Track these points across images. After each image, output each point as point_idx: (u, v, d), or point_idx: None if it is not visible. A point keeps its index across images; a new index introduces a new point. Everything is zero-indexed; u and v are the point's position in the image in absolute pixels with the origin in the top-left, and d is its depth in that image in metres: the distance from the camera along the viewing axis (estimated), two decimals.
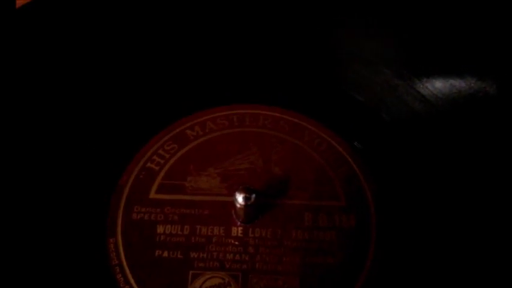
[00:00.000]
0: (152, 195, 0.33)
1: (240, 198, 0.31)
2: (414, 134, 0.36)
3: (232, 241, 0.31)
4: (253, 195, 0.31)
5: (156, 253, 0.31)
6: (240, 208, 0.31)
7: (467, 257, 0.30)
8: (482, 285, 0.29)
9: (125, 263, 0.31)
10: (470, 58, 0.38)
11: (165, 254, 0.31)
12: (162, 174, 0.34)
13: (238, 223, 0.32)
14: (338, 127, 0.36)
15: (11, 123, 0.35)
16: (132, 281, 0.30)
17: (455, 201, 0.33)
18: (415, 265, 0.31)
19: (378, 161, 0.35)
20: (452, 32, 0.38)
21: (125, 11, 0.40)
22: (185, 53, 0.40)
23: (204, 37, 0.40)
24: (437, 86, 0.37)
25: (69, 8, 0.39)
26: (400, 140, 0.36)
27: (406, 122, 0.37)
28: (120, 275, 0.30)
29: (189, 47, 0.40)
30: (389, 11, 0.40)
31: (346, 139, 0.36)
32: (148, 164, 0.35)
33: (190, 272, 0.30)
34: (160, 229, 0.32)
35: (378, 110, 0.38)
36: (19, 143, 0.34)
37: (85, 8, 0.40)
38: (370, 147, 0.36)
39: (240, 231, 0.32)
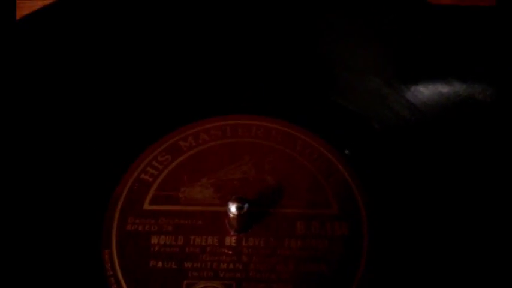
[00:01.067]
0: (146, 206, 0.34)
1: (233, 208, 0.31)
2: (404, 141, 0.37)
3: (226, 250, 0.32)
4: (246, 205, 0.31)
5: (151, 264, 0.31)
6: (233, 217, 0.31)
7: (459, 265, 0.31)
8: None
9: (119, 274, 0.31)
10: (458, 65, 0.38)
11: (160, 264, 0.31)
12: (155, 185, 0.34)
13: (232, 232, 0.32)
14: (329, 136, 0.37)
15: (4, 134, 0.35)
16: None
17: (447, 208, 0.33)
18: (407, 272, 0.31)
19: (369, 168, 0.35)
20: (440, 40, 0.39)
21: (121, 23, 0.41)
22: (177, 66, 0.41)
23: (194, 50, 0.41)
24: (426, 93, 0.38)
25: (68, 20, 0.40)
26: (390, 148, 0.37)
27: (396, 130, 0.37)
28: (115, 286, 0.30)
29: (181, 59, 0.41)
30: (378, 20, 0.41)
31: (337, 148, 0.36)
32: (142, 175, 0.35)
33: (185, 282, 0.31)
34: (154, 240, 0.32)
35: (368, 119, 0.38)
36: (15, 152, 0.35)
37: (82, 21, 0.40)
38: (361, 155, 0.36)
39: (233, 241, 0.32)
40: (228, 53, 0.41)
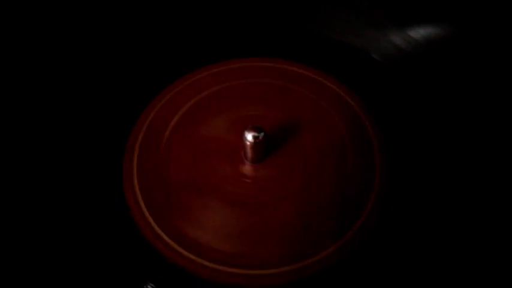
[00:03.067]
0: (165, 139, 0.35)
1: (249, 136, 0.32)
2: (406, 72, 0.38)
3: (243, 179, 0.33)
4: (262, 134, 0.32)
5: (172, 193, 0.33)
6: (249, 146, 0.32)
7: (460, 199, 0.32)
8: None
9: (143, 205, 0.32)
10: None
11: (180, 193, 0.32)
12: (177, 117, 0.36)
13: (248, 162, 0.34)
14: (337, 72, 0.38)
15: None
16: (150, 219, 0.32)
17: (449, 131, 0.35)
18: (415, 205, 0.33)
19: (379, 102, 0.37)
20: None
21: None
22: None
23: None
24: (425, 29, 0.39)
25: None
26: (393, 78, 0.38)
27: (397, 62, 0.39)
28: (138, 217, 0.32)
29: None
30: None
31: (345, 83, 0.38)
32: (162, 112, 0.36)
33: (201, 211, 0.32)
34: (173, 170, 0.33)
35: (369, 53, 0.40)
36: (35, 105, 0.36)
37: None
38: (366, 86, 0.37)
39: (249, 170, 0.33)
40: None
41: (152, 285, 0.30)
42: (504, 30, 0.38)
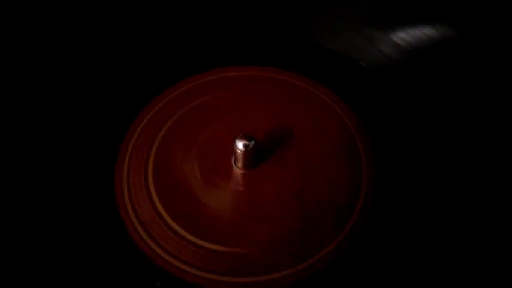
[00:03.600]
0: (158, 144, 0.36)
1: (240, 145, 0.33)
2: (393, 79, 0.39)
3: (232, 185, 0.34)
4: (252, 142, 0.33)
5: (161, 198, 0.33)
6: (240, 154, 0.33)
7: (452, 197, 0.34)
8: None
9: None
10: (439, 9, 0.41)
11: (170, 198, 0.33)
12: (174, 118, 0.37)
13: (238, 169, 0.34)
14: (325, 79, 0.39)
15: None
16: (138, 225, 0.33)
17: (436, 135, 0.36)
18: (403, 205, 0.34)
19: (365, 107, 0.38)
20: None
21: None
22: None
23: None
24: (411, 35, 0.40)
25: None
26: (380, 85, 0.39)
27: (384, 69, 0.40)
28: None
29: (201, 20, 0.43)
30: None
31: (333, 89, 0.38)
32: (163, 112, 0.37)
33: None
34: (163, 176, 0.34)
35: (356, 60, 0.40)
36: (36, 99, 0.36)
37: None
38: (354, 93, 0.38)
39: (240, 176, 0.34)
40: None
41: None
42: (493, 36, 0.39)
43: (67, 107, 0.37)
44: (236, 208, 0.33)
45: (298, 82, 0.39)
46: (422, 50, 0.40)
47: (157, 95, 0.38)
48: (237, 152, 0.33)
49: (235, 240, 0.32)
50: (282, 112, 0.37)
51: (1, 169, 0.34)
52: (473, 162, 0.34)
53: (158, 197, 0.33)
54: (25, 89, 0.37)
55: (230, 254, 0.31)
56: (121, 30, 0.42)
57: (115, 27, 0.42)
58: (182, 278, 0.31)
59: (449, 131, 0.36)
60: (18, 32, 0.40)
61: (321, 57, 0.41)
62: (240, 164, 0.34)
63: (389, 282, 0.31)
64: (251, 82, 0.39)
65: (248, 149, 0.33)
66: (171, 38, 0.42)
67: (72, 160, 0.35)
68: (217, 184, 0.34)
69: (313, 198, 0.33)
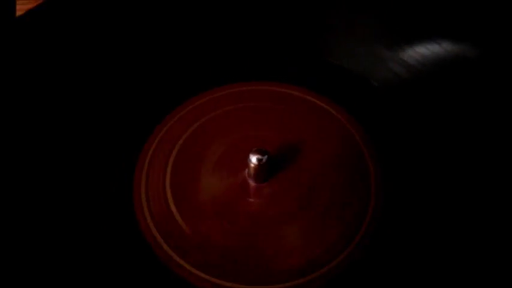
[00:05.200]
0: (174, 156, 0.37)
1: (253, 159, 0.34)
2: (402, 96, 0.40)
3: (246, 197, 0.35)
4: (265, 156, 0.34)
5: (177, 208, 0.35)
6: (253, 167, 0.34)
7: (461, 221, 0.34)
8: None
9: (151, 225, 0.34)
10: (446, 27, 0.42)
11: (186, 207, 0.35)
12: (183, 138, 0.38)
13: (251, 182, 0.36)
14: (335, 96, 0.40)
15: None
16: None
17: (444, 153, 0.37)
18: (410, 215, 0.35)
19: (375, 124, 0.39)
20: (428, 5, 0.43)
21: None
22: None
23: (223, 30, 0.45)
24: (419, 53, 0.42)
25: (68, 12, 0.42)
26: (390, 103, 0.40)
27: (393, 86, 0.41)
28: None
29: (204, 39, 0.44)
30: None
31: (343, 105, 0.40)
32: (171, 131, 0.39)
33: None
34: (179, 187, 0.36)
35: (366, 78, 0.42)
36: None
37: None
38: (364, 110, 0.39)
39: (253, 189, 0.35)
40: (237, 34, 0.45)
41: None
42: (503, 54, 0.40)
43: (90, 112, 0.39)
44: (248, 219, 0.34)
45: (309, 98, 0.40)
46: (431, 68, 0.41)
47: (175, 108, 0.40)
48: (250, 166, 0.35)
49: (245, 251, 0.33)
50: (293, 127, 0.39)
51: (34, 171, 0.36)
52: (484, 178, 0.35)
53: (176, 207, 0.35)
54: (54, 105, 0.39)
55: (237, 264, 0.32)
56: (144, 47, 0.44)
57: (139, 45, 0.44)
58: (189, 280, 0.32)
59: (458, 148, 0.37)
60: (42, 51, 0.41)
61: (332, 74, 0.42)
62: (253, 177, 0.35)
63: None
64: (264, 97, 0.41)
65: (261, 163, 0.34)
66: (190, 55, 0.43)
67: (92, 172, 0.36)
68: (230, 195, 0.35)
69: (323, 212, 0.34)
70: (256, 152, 0.34)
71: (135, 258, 0.33)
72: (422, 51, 0.42)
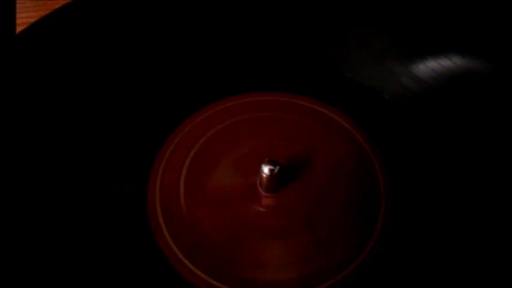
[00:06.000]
0: (187, 164, 0.38)
1: (265, 169, 0.35)
2: (413, 110, 0.41)
3: (258, 207, 0.36)
4: (277, 167, 0.35)
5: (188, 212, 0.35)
6: (265, 178, 0.35)
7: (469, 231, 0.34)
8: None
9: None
10: (457, 42, 0.43)
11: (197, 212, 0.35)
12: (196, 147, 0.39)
13: (263, 192, 0.36)
14: (346, 108, 0.41)
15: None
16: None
17: (454, 166, 0.37)
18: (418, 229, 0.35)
19: (386, 138, 0.39)
20: (438, 21, 0.43)
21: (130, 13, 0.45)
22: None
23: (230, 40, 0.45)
24: (430, 68, 0.42)
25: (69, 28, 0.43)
26: (401, 117, 0.41)
27: (405, 100, 0.41)
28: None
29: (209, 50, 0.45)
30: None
31: (354, 118, 0.41)
32: (184, 140, 0.40)
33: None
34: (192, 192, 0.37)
35: (379, 92, 0.42)
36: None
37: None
38: (375, 124, 0.40)
39: (264, 199, 0.36)
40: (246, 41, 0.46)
41: None
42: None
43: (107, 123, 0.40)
44: (257, 228, 0.35)
45: (320, 109, 0.41)
46: (442, 83, 0.42)
47: (187, 118, 0.41)
48: (262, 176, 0.35)
49: (254, 260, 0.33)
50: (303, 137, 0.39)
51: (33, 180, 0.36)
52: (496, 193, 0.36)
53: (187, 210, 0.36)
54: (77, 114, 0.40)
55: (246, 273, 0.33)
56: (161, 58, 0.44)
57: (155, 56, 0.45)
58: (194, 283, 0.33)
59: (468, 161, 0.37)
60: (58, 62, 0.42)
61: (344, 86, 0.43)
62: (264, 187, 0.36)
63: None
64: (276, 107, 0.42)
65: (273, 173, 0.35)
66: (205, 65, 0.44)
67: (108, 177, 0.37)
68: (241, 205, 0.36)
69: (332, 224, 0.35)
70: (268, 163, 0.35)
71: (145, 258, 0.33)
72: (434, 65, 0.42)
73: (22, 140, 0.37)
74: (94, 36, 0.44)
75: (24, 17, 0.49)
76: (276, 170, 0.35)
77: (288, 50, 0.45)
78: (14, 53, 0.40)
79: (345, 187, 0.37)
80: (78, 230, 0.34)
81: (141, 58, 0.44)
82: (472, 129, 0.39)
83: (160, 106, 0.41)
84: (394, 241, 0.34)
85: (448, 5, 0.44)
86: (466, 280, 0.32)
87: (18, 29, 0.42)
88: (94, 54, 0.43)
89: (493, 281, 0.32)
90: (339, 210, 0.35)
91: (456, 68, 0.42)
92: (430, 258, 0.33)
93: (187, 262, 0.33)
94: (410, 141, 0.39)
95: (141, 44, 0.44)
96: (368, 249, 0.34)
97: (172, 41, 0.45)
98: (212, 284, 0.32)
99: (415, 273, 0.33)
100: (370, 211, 0.36)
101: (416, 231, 0.35)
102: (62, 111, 0.40)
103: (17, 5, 0.51)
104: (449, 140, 0.39)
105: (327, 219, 0.35)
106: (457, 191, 0.36)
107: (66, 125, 0.39)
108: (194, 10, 0.47)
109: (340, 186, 0.37)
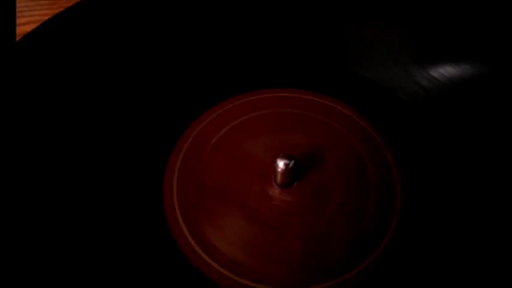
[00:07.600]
0: (206, 155, 0.38)
1: (281, 163, 0.35)
2: (428, 110, 0.41)
3: (270, 200, 0.36)
4: (292, 161, 0.35)
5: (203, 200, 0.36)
6: (280, 172, 0.35)
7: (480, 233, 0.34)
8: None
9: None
10: (473, 46, 0.42)
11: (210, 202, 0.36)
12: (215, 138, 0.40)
13: (277, 186, 0.36)
14: (363, 108, 0.41)
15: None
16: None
17: (469, 165, 0.37)
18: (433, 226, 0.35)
19: (401, 136, 0.40)
20: (456, 24, 0.43)
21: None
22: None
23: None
24: (447, 70, 0.42)
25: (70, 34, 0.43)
26: (417, 116, 0.41)
27: (421, 100, 0.41)
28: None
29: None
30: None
31: (370, 117, 0.41)
32: (204, 131, 0.40)
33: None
34: (208, 183, 0.37)
35: (396, 92, 0.42)
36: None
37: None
38: (392, 123, 0.40)
39: (278, 193, 0.36)
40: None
41: None
42: None
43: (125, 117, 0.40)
44: (271, 223, 0.35)
45: (338, 107, 0.41)
46: (460, 86, 0.42)
47: (204, 112, 0.41)
48: (277, 171, 0.35)
49: (267, 255, 0.33)
50: (319, 134, 0.40)
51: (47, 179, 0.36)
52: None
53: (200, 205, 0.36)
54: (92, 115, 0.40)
55: (256, 269, 0.33)
56: (177, 56, 0.45)
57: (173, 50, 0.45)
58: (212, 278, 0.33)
59: (484, 166, 0.37)
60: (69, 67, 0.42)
61: (361, 85, 0.43)
62: (278, 182, 0.36)
63: None
64: (293, 104, 0.42)
65: (288, 168, 0.35)
66: (223, 61, 0.45)
67: (126, 166, 0.38)
68: (255, 199, 0.36)
69: (344, 224, 0.35)
70: (283, 157, 0.35)
71: (161, 250, 0.34)
72: (452, 69, 0.42)
73: (41, 137, 0.38)
74: (106, 34, 0.44)
75: (37, 15, 0.50)
76: (291, 165, 0.35)
77: (309, 49, 0.45)
78: (27, 51, 0.40)
79: (359, 185, 0.37)
80: (93, 224, 0.35)
81: (160, 56, 0.44)
82: (490, 132, 0.39)
83: (180, 99, 0.42)
84: (408, 240, 0.34)
85: (471, 10, 0.44)
86: (474, 279, 0.32)
87: (32, 26, 0.43)
88: (107, 51, 0.43)
89: (505, 281, 0.32)
90: (351, 209, 0.35)
91: (475, 73, 0.42)
92: (447, 264, 0.33)
93: (203, 255, 0.34)
94: (428, 142, 0.39)
95: (158, 41, 0.45)
96: (382, 246, 0.34)
97: (190, 41, 0.45)
98: (224, 275, 0.33)
99: (427, 272, 0.33)
100: (384, 209, 0.36)
101: (431, 235, 0.35)
102: (74, 110, 0.40)
103: (31, 3, 0.51)
104: (466, 142, 0.38)
105: (338, 219, 0.35)
106: (473, 193, 0.36)
107: (72, 121, 0.40)
108: (215, 8, 0.47)
109: (354, 185, 0.37)
